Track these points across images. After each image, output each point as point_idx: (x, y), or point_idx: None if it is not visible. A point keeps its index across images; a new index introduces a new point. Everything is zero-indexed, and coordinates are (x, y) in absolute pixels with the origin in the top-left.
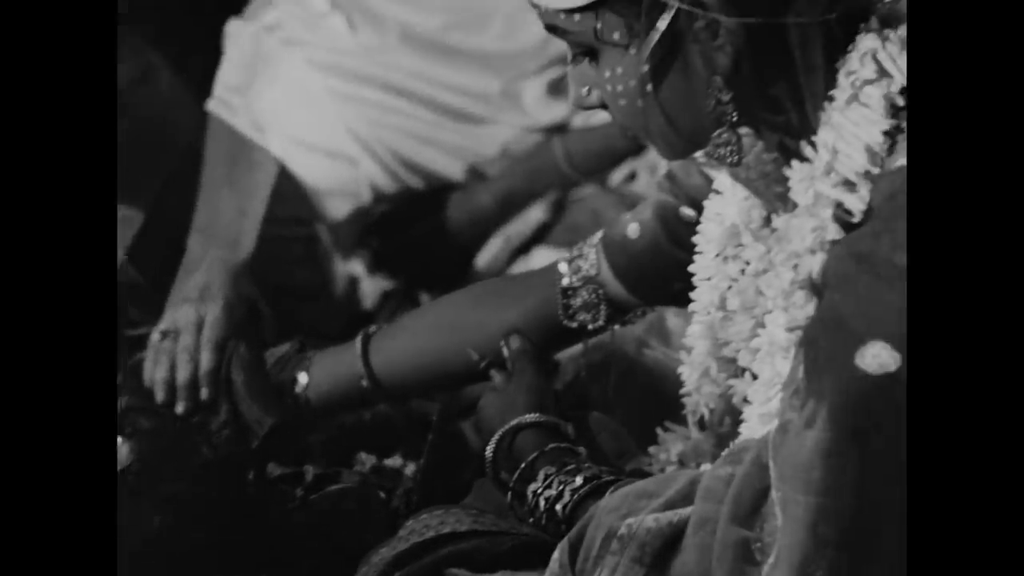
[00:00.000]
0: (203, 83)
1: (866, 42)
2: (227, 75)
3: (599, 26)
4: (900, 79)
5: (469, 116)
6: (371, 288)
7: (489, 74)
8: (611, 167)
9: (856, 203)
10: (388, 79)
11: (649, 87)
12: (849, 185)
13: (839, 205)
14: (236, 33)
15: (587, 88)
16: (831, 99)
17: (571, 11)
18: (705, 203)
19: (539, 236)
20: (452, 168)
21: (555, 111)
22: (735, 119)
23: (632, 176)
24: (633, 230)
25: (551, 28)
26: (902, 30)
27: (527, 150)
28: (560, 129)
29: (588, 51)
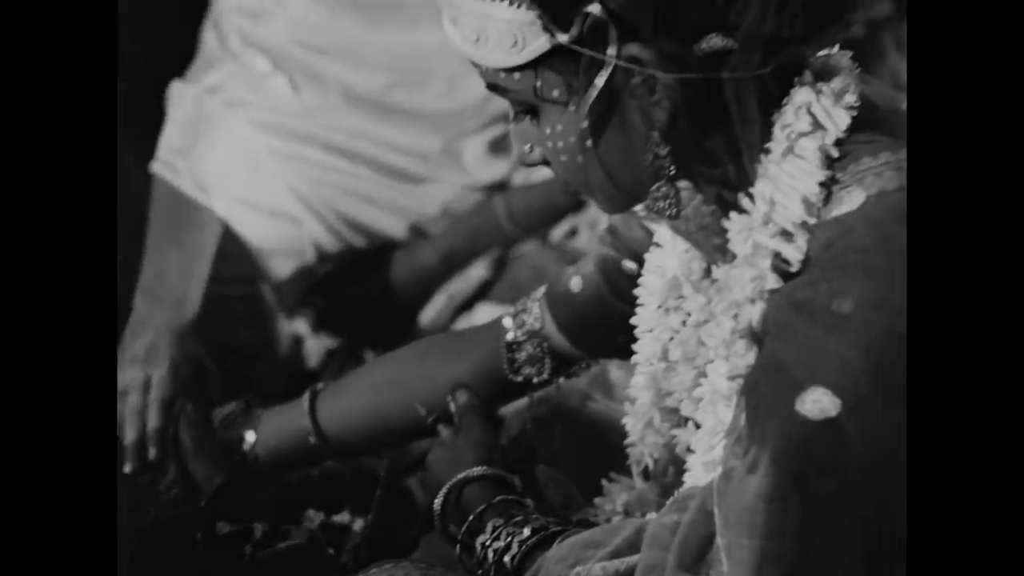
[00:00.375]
0: (146, 145)
1: (800, 95)
2: (170, 137)
3: (539, 84)
4: (834, 131)
5: (411, 175)
6: (315, 347)
7: (430, 133)
8: (552, 223)
9: (794, 253)
10: (330, 139)
11: (589, 143)
12: (787, 235)
13: (777, 255)
14: (179, 95)
15: (529, 145)
16: (767, 151)
17: (511, 70)
18: (646, 256)
19: (482, 293)
20: (395, 227)
21: (496, 169)
22: (673, 172)
23: (573, 232)
24: (576, 284)
25: (492, 87)
26: (835, 82)
27: (469, 208)
28: (501, 187)
29: (529, 109)
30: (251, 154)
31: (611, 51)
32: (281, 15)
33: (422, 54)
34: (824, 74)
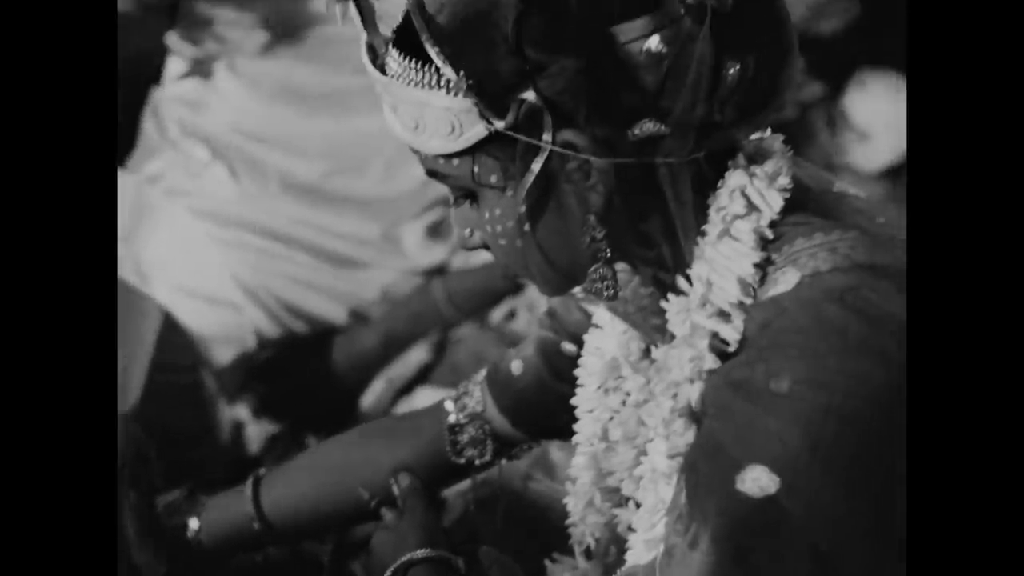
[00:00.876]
0: None
1: (734, 179)
2: None
3: (477, 170)
4: (768, 213)
5: (350, 260)
6: (257, 432)
7: (369, 219)
8: (491, 306)
9: (731, 333)
10: (270, 226)
11: (527, 227)
12: (724, 316)
13: (715, 335)
14: (119, 184)
15: (469, 230)
16: (704, 234)
17: (450, 156)
18: (585, 337)
19: (422, 376)
20: (334, 312)
21: (435, 253)
22: (609, 255)
23: (512, 314)
24: (516, 367)
25: (431, 173)
26: (768, 165)
27: (408, 292)
28: (440, 271)
29: (468, 194)
30: (191, 242)
31: (546, 137)
32: (220, 104)
33: (360, 141)
34: (757, 157)
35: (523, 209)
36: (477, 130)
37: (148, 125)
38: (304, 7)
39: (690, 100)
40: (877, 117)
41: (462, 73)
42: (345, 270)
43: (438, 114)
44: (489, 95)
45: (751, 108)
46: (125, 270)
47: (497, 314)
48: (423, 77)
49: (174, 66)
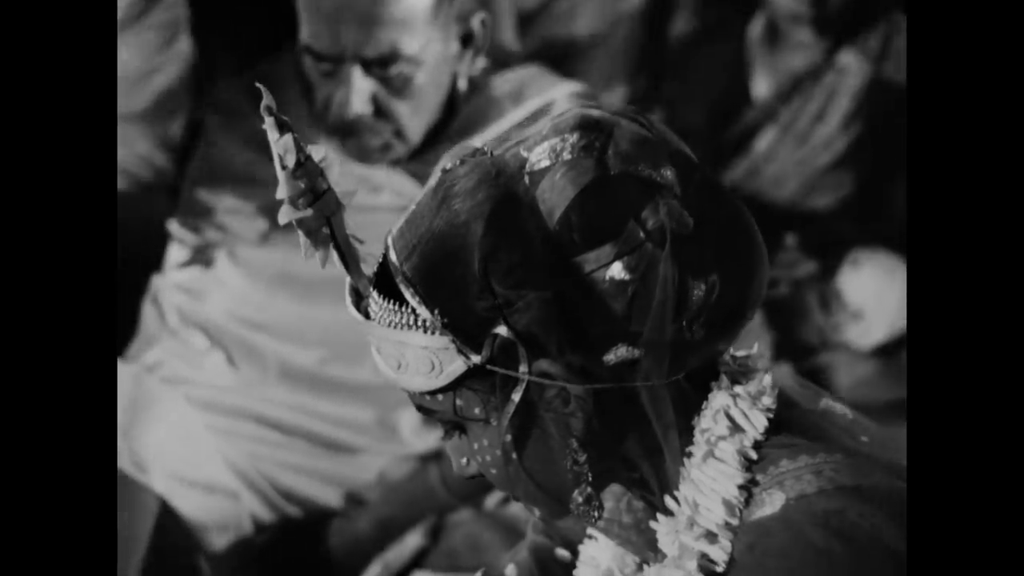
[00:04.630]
0: None
1: (718, 400)
2: None
3: (460, 403)
4: (752, 433)
5: (346, 446)
6: None
7: (366, 405)
8: (486, 491)
9: (719, 553)
10: (267, 413)
11: (513, 455)
12: (711, 537)
13: (704, 556)
14: (119, 374)
15: (465, 459)
16: (689, 455)
17: (432, 392)
18: (580, 547)
19: (417, 561)
20: (330, 496)
21: (430, 439)
22: (591, 479)
23: (507, 499)
24: (510, 572)
25: (419, 408)
26: (751, 385)
27: (404, 476)
28: (436, 456)
29: (456, 425)
30: (188, 431)
31: (523, 368)
32: (219, 292)
33: (357, 329)
34: (740, 376)
35: (508, 439)
36: (456, 366)
37: (148, 313)
38: None
39: (658, 323)
40: (871, 296)
41: (437, 312)
42: (341, 455)
43: (418, 353)
44: (464, 332)
45: (721, 325)
46: (123, 461)
47: (493, 499)
48: (401, 318)
49: (175, 253)
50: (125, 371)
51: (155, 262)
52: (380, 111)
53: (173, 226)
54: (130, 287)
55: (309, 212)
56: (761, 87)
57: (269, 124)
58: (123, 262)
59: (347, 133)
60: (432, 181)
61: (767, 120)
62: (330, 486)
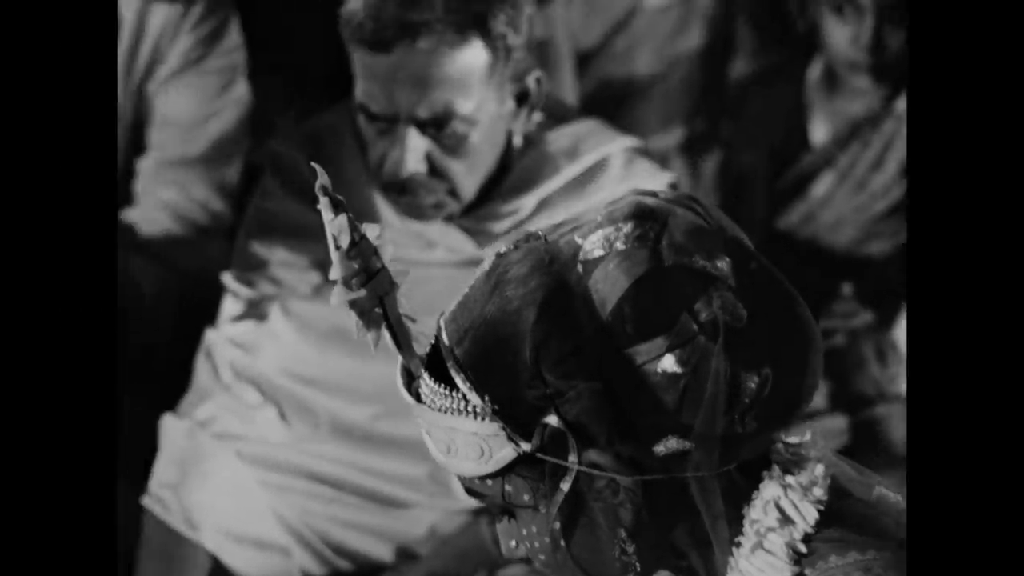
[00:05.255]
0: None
1: (768, 490)
2: (161, 472)
3: (508, 489)
4: (803, 526)
5: (398, 501)
6: None
7: (417, 460)
8: None
9: None
10: (318, 469)
11: (562, 543)
12: None
13: None
14: (170, 428)
15: (514, 542)
16: (738, 544)
17: (482, 477)
18: None
19: None
20: (381, 551)
21: None
22: (639, 568)
23: None
24: None
25: (469, 491)
26: (803, 476)
27: (456, 530)
28: (487, 511)
29: (506, 509)
30: (240, 487)
31: (572, 458)
32: (272, 346)
33: None
34: (792, 465)
35: (556, 526)
36: (506, 453)
37: (202, 367)
38: None
39: (710, 416)
40: None
41: (487, 399)
42: (393, 510)
43: (467, 439)
44: (514, 420)
45: (774, 418)
46: (174, 518)
47: None
48: (451, 403)
49: (229, 306)
50: (178, 426)
51: (210, 311)
52: (434, 169)
53: (227, 279)
54: (185, 338)
55: (363, 293)
56: (819, 132)
57: (324, 204)
58: (180, 311)
59: (401, 191)
60: (486, 264)
61: (825, 165)
62: (382, 541)
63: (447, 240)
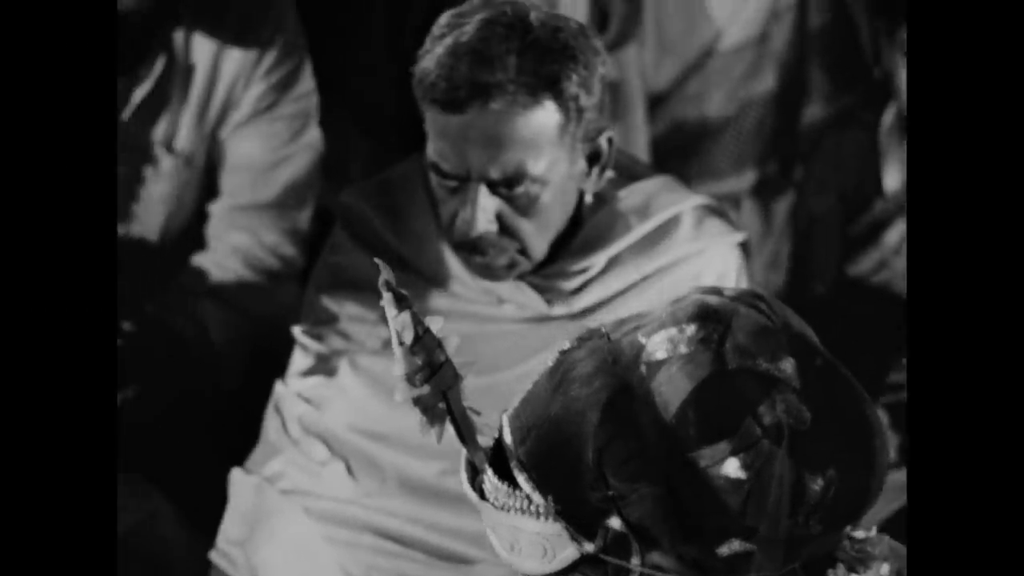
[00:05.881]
0: (207, 528)
1: None
2: (229, 527)
3: None
4: None
5: (464, 557)
6: None
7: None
8: None
9: None
10: (385, 525)
11: None
12: None
13: None
14: (239, 483)
15: None
16: None
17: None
18: None
19: None
20: None
21: None
22: None
23: None
24: None
25: None
26: (869, 573)
27: None
28: None
29: None
30: (307, 544)
31: (635, 560)
32: (340, 402)
33: None
34: (857, 563)
35: None
36: (569, 552)
37: (271, 423)
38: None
39: (774, 519)
40: None
41: (550, 499)
42: (458, 567)
43: (531, 538)
44: (577, 520)
45: (839, 519)
46: (240, 573)
47: None
48: (515, 502)
49: (298, 361)
50: (246, 482)
51: (281, 359)
52: (505, 229)
53: (297, 332)
54: (256, 391)
55: (426, 389)
56: (893, 179)
57: (387, 300)
58: (251, 358)
59: (472, 249)
60: (550, 362)
61: (899, 212)
62: None
63: (517, 297)
